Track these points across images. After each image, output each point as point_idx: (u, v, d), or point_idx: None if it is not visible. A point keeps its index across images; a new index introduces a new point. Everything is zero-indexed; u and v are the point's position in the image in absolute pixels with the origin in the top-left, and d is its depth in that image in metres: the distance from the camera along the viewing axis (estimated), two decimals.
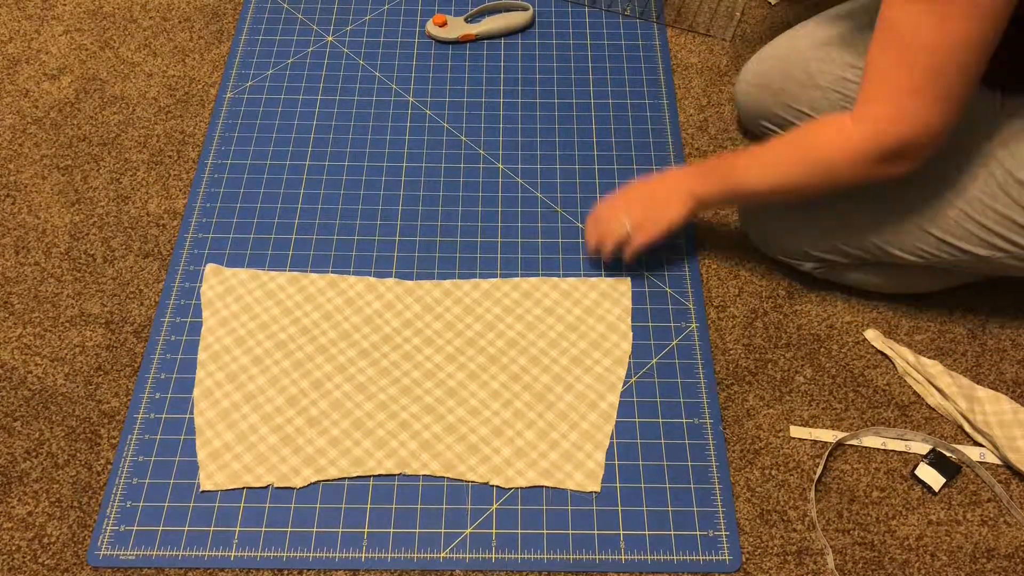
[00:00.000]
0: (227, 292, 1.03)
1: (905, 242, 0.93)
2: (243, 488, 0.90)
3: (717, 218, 1.12)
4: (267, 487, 0.90)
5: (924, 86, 0.76)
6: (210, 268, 1.05)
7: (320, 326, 1.00)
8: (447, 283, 1.04)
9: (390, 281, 1.04)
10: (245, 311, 1.01)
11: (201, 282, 1.04)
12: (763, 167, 0.91)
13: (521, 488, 0.90)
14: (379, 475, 0.90)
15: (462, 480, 0.90)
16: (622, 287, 1.04)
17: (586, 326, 1.01)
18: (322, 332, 1.00)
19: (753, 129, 1.17)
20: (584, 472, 0.91)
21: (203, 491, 0.89)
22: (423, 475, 0.90)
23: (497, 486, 0.90)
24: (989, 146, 0.87)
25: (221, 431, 0.93)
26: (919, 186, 0.90)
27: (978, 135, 0.89)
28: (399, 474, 0.90)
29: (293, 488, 0.90)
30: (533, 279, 1.05)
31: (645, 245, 0.98)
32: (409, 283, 1.04)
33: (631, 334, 1.01)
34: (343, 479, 0.90)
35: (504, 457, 0.91)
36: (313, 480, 0.90)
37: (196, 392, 0.95)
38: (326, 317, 1.01)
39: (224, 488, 0.90)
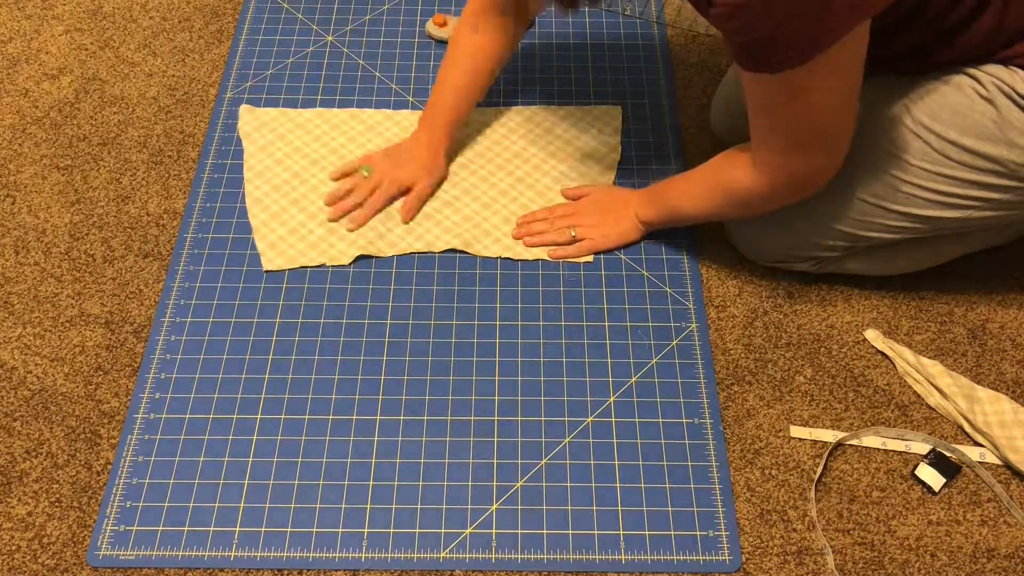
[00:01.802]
0: (262, 126, 1.19)
1: (873, 224, 0.94)
2: (301, 268, 1.06)
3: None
4: (320, 266, 1.06)
5: (797, 144, 0.86)
6: (244, 108, 1.21)
7: (347, 147, 1.17)
8: None
9: (405, 112, 1.21)
10: (280, 139, 1.18)
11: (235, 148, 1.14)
12: (692, 199, 1.00)
13: (527, 262, 1.06)
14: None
15: (479, 256, 1.06)
16: (614, 112, 1.21)
17: (581, 141, 1.18)
18: (349, 152, 1.17)
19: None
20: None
21: (266, 271, 1.05)
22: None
23: (508, 258, 1.07)
24: (912, 117, 0.89)
25: (275, 227, 1.09)
26: (865, 170, 0.92)
27: (900, 110, 0.90)
28: (427, 252, 1.07)
29: (343, 266, 1.05)
30: (534, 107, 1.22)
31: (588, 252, 1.07)
32: (422, 112, 1.17)
33: (620, 148, 1.17)
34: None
35: (513, 239, 1.07)
36: (358, 255, 1.06)
37: (247, 202, 1.11)
38: (351, 140, 1.18)
39: (283, 268, 1.06)
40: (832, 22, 0.72)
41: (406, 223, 1.09)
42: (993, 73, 0.84)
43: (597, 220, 1.07)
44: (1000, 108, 0.84)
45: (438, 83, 1.11)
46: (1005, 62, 0.84)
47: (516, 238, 1.08)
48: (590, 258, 1.07)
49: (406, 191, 1.10)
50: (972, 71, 0.86)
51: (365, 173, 1.10)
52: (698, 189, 0.99)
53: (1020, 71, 0.83)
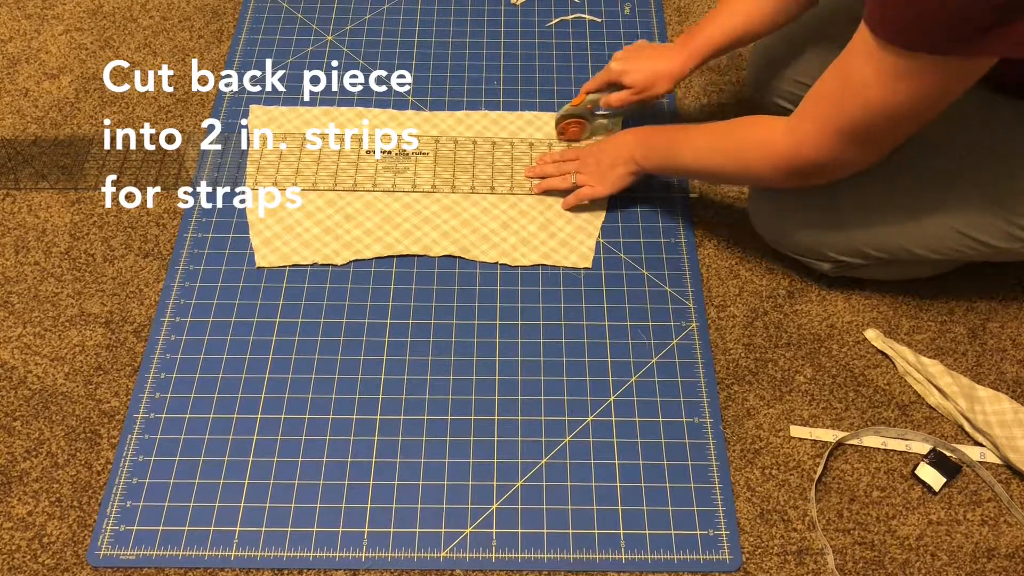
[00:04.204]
0: (270, 120, 1.20)
1: (931, 242, 0.92)
2: (293, 266, 1.06)
3: (717, 218, 1.12)
4: (312, 264, 1.06)
5: (851, 131, 0.79)
6: (253, 107, 1.22)
7: (352, 145, 1.18)
8: (459, 113, 1.22)
9: (409, 112, 1.22)
10: (285, 135, 1.19)
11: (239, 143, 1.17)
12: (696, 152, 0.97)
13: (525, 267, 1.06)
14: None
15: (476, 261, 1.06)
16: (615, 119, 1.19)
17: (581, 146, 1.16)
18: (352, 150, 1.17)
19: (767, 108, 1.15)
20: (578, 255, 1.07)
21: (258, 267, 1.06)
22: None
23: (505, 264, 1.06)
24: (1011, 145, 0.87)
25: (271, 224, 1.10)
26: (947, 188, 0.90)
27: (1002, 135, 0.88)
28: (423, 255, 1.07)
29: (335, 265, 1.06)
30: (535, 112, 1.22)
31: (585, 199, 1.09)
32: (426, 112, 1.22)
33: None
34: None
35: (511, 244, 1.08)
36: (352, 259, 1.06)
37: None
38: (354, 138, 1.18)
39: (276, 266, 1.06)
40: (996, 35, 0.67)
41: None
42: None
43: (596, 167, 1.08)
44: None
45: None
46: None
47: (528, 176, 1.13)
48: (588, 263, 1.06)
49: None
50: None
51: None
52: (706, 145, 0.96)
53: None
